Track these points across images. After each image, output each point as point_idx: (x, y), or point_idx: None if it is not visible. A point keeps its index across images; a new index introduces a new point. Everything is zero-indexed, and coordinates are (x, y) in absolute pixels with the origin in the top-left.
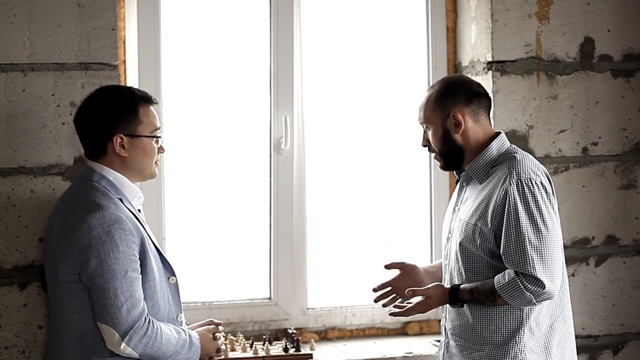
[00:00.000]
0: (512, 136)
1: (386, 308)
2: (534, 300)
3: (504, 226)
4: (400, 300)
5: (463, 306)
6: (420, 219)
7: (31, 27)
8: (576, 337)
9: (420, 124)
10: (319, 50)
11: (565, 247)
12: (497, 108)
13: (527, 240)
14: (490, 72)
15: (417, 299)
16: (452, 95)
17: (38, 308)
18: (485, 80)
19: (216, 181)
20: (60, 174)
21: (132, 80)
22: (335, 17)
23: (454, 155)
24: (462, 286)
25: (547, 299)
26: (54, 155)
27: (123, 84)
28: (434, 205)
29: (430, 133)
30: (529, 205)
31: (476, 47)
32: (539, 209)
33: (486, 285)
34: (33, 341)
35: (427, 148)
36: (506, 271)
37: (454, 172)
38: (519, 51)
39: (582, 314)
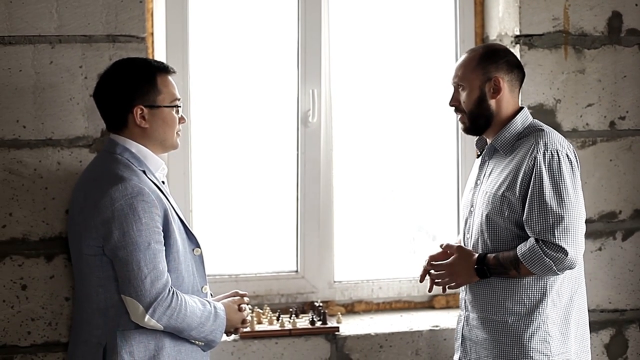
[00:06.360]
0: (540, 110)
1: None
2: (554, 268)
3: (528, 194)
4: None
5: (489, 276)
6: (448, 191)
7: None
8: (602, 311)
9: (454, 82)
10: (346, 23)
11: (592, 221)
12: (524, 82)
13: (549, 207)
14: (518, 45)
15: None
16: (496, 61)
17: (64, 280)
18: None
19: (243, 154)
20: (87, 146)
21: (159, 52)
22: None
23: (484, 120)
24: (487, 255)
25: (569, 267)
26: (81, 128)
27: (150, 56)
28: (462, 179)
29: (464, 93)
30: (554, 175)
31: (504, 20)
32: (563, 180)
33: (510, 252)
34: (60, 313)
35: (454, 108)
36: (529, 239)
37: (476, 146)
38: (547, 25)
39: (609, 288)
